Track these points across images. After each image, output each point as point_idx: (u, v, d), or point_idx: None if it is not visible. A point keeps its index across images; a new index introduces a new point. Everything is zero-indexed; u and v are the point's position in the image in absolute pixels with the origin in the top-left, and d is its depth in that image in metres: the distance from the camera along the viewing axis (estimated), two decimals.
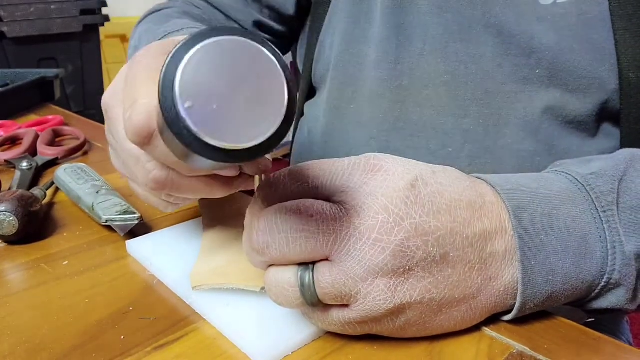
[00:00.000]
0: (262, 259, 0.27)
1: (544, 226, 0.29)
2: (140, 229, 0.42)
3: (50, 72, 0.89)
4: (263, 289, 0.31)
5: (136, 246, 0.39)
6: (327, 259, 0.26)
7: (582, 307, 0.32)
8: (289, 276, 0.27)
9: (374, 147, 0.53)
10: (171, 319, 0.31)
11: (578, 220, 0.30)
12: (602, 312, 0.32)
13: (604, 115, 0.44)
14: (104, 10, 1.76)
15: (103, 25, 1.76)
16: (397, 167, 0.27)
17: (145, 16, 0.61)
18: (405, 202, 0.26)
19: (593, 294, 0.31)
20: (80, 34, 1.67)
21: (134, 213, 0.41)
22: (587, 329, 0.31)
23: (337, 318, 0.27)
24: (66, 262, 0.38)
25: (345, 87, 0.55)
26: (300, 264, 0.27)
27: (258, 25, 0.61)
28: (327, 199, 0.27)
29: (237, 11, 0.60)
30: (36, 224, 0.41)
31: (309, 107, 0.63)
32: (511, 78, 0.45)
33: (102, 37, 1.82)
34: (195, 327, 0.31)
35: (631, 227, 0.30)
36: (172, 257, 0.37)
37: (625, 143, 0.44)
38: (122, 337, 0.30)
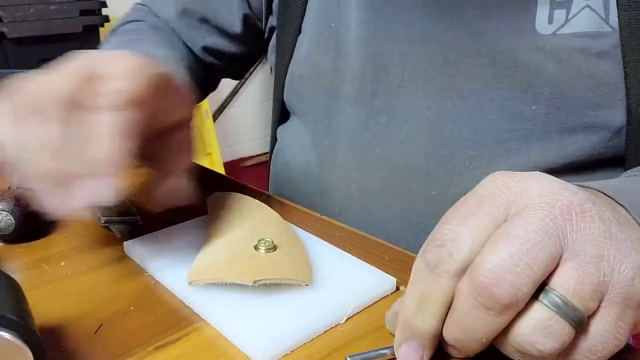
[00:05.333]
0: (504, 317, 0.23)
1: None
2: (139, 230, 0.41)
3: None
4: (256, 282, 0.31)
5: (134, 247, 0.39)
6: (556, 268, 0.23)
7: None
8: (539, 312, 0.23)
9: (352, 188, 0.49)
10: (171, 319, 0.31)
11: None
12: None
13: (606, 157, 0.41)
14: (104, 11, 1.76)
15: (103, 26, 1.75)
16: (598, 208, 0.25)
17: (120, 25, 0.60)
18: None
19: None
20: (80, 34, 1.67)
21: (134, 214, 0.41)
22: None
23: (605, 328, 0.23)
24: (66, 262, 0.38)
25: (319, 122, 0.51)
26: (536, 296, 0.23)
27: (206, 49, 0.59)
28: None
29: (186, 37, 0.59)
30: (34, 223, 0.41)
31: (282, 131, 0.59)
32: (504, 114, 0.41)
33: (102, 37, 1.82)
34: (196, 327, 0.31)
35: None
36: (169, 258, 0.37)
37: None
38: (122, 337, 0.30)
